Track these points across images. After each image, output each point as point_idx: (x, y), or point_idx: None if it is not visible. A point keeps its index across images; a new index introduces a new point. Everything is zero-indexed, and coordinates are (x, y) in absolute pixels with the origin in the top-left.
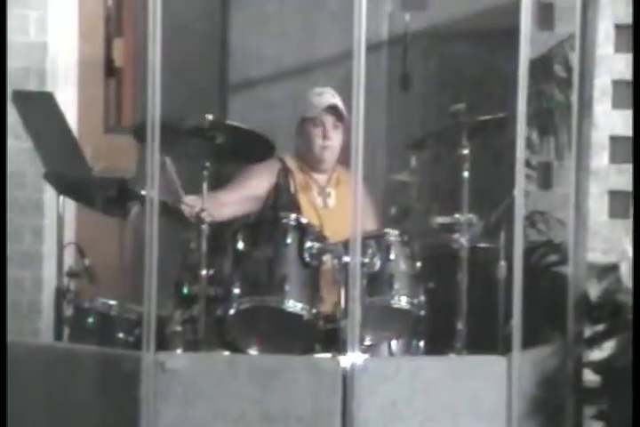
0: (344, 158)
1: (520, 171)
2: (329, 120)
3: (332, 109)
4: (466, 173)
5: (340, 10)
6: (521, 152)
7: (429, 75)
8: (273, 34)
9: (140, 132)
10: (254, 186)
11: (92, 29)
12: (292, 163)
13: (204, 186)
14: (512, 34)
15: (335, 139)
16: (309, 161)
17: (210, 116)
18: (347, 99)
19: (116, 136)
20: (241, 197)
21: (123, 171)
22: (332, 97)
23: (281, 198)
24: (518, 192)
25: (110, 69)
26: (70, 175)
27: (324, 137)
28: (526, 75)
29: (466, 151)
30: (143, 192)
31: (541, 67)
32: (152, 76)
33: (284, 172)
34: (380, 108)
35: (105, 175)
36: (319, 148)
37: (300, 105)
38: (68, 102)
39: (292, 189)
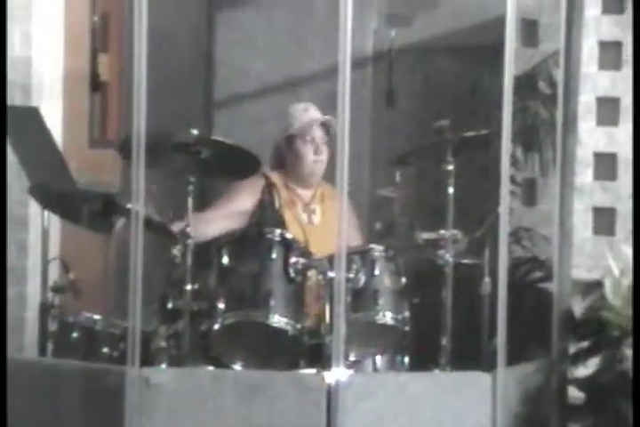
0: (328, 174)
1: (505, 187)
2: (319, 135)
3: (323, 125)
4: (451, 189)
5: (326, 26)
6: (506, 168)
7: (414, 91)
8: (259, 49)
9: (125, 147)
10: (239, 202)
11: (77, 44)
12: (276, 179)
13: (189, 201)
14: (497, 50)
15: (325, 153)
16: (299, 177)
17: (195, 131)
18: (332, 114)
19: (101, 150)
20: (226, 213)
21: (108, 185)
22: (316, 112)
23: (266, 214)
24: (503, 208)
25: (96, 84)
26: (55, 189)
27: (316, 152)
28: (511, 91)
29: (450, 167)
30: (128, 206)
31: (526, 83)
32: (137, 91)
33: (269, 188)
34: (364, 123)
35: (90, 189)
36: (311, 163)
37: (286, 121)
38: (53, 116)
39: (277, 204)
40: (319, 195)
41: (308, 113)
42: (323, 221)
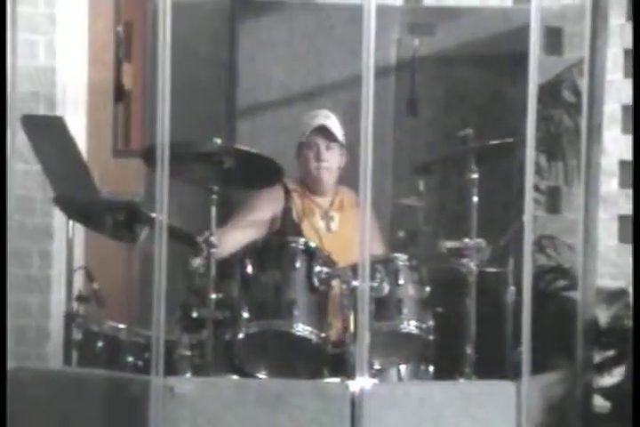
0: (350, 181)
1: (529, 195)
2: (320, 141)
3: (322, 130)
4: (474, 198)
5: (348, 35)
6: (530, 176)
7: (437, 99)
8: (281, 59)
9: (148, 156)
10: (259, 211)
11: (101, 54)
12: (294, 187)
13: (213, 210)
14: (520, 59)
15: (331, 160)
16: (309, 184)
17: (219, 141)
18: (354, 123)
19: (125, 160)
20: (246, 224)
21: (131, 194)
22: (324, 118)
23: (284, 223)
24: (527, 217)
25: (119, 93)
26: (79, 199)
27: (317, 159)
28: (535, 100)
29: (474, 176)
30: (152, 215)
31: (550, 92)
32: (161, 101)
33: (287, 196)
34: (387, 132)
35: (114, 199)
36: (314, 169)
37: (300, 129)
38: (78, 126)
39: (295, 213)
40: (338, 202)
41: (313, 120)
42: (341, 228)
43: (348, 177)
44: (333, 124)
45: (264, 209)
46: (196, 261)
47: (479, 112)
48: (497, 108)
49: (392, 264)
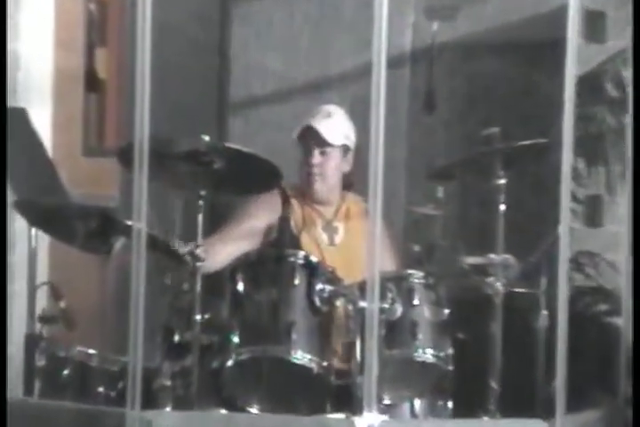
0: (357, 186)
1: (565, 205)
2: (310, 145)
3: (311, 133)
4: (501, 207)
5: (357, 19)
6: (566, 183)
7: (458, 93)
8: (279, 46)
9: (125, 155)
10: (253, 220)
11: (70, 37)
12: (293, 193)
13: (199, 218)
14: (556, 47)
15: (325, 166)
16: (305, 191)
17: (207, 138)
18: (363, 120)
19: (98, 159)
20: (238, 235)
21: (105, 199)
22: (321, 117)
23: (281, 233)
24: (563, 230)
25: (92, 83)
26: (44, 204)
27: (306, 163)
28: (573, 94)
29: (501, 182)
30: (129, 223)
31: (589, 85)
32: (141, 92)
33: (285, 203)
34: (401, 131)
35: (85, 204)
36: (304, 176)
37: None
38: (43, 120)
39: (293, 223)
40: (343, 211)
41: (310, 119)
42: (347, 240)
43: (356, 182)
44: (330, 125)
45: (258, 217)
46: (179, 277)
47: (507, 108)
48: (528, 104)
49: (405, 282)
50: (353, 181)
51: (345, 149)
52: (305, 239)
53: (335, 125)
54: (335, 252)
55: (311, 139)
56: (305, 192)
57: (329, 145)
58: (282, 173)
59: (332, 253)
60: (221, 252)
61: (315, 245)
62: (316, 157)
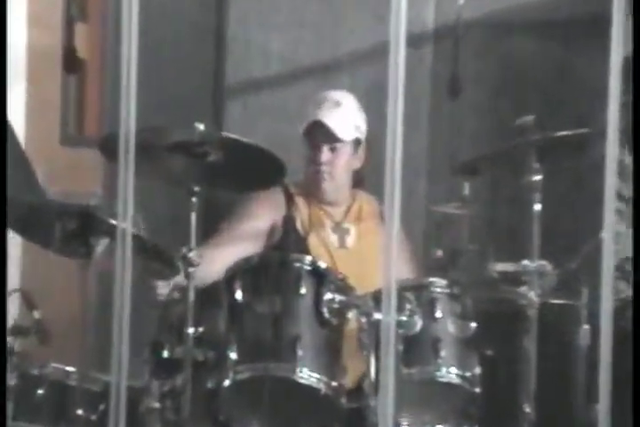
0: (371, 183)
1: (609, 205)
2: (317, 140)
3: (319, 127)
4: (536, 207)
5: None
6: (611, 180)
7: (487, 77)
8: (283, 24)
9: (108, 146)
10: (254, 220)
11: (46, 10)
12: (298, 190)
13: (193, 217)
14: (599, 24)
15: (335, 163)
16: (311, 191)
17: (201, 127)
18: (379, 107)
19: (78, 150)
20: (238, 236)
21: (85, 195)
22: (328, 108)
23: (286, 236)
24: (607, 233)
25: (70, 63)
26: (16, 201)
27: (313, 160)
28: (619, 78)
29: (536, 177)
30: (113, 222)
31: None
32: (126, 74)
33: (290, 201)
34: (421, 119)
35: (63, 201)
36: (311, 173)
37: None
38: (16, 104)
39: (300, 224)
40: (355, 211)
41: (314, 110)
42: (359, 244)
43: (369, 178)
44: (340, 116)
45: (260, 217)
46: (171, 285)
47: (543, 94)
48: (566, 89)
49: (426, 292)
50: (364, 178)
51: (356, 143)
52: (313, 242)
53: (345, 117)
54: (346, 256)
55: (319, 134)
56: (311, 191)
57: (339, 141)
58: (286, 166)
59: (343, 257)
60: (218, 256)
61: (324, 248)
62: (325, 154)
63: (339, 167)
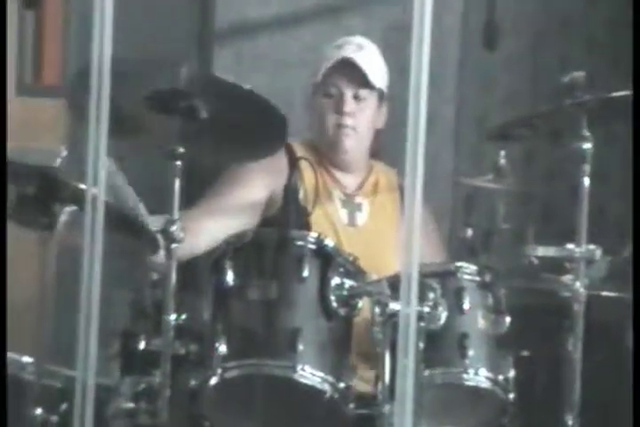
0: (389, 152)
1: None
2: (344, 85)
3: (348, 67)
4: (586, 180)
5: None
6: None
7: (527, 27)
8: None
9: (74, 96)
10: (249, 188)
11: None
12: (304, 153)
13: (176, 184)
14: None
15: (360, 116)
16: (325, 151)
17: (184, 70)
18: (398, 60)
19: (37, 100)
20: (229, 207)
21: (46, 154)
22: (353, 49)
23: (285, 209)
24: None
25: None
26: None
27: (338, 110)
28: None
29: (586, 146)
30: (80, 187)
31: None
32: (99, 10)
33: (292, 166)
34: (450, 75)
35: (19, 161)
36: (332, 128)
37: (314, 64)
38: None
39: (303, 194)
40: (371, 184)
41: (337, 51)
42: (373, 222)
43: (387, 146)
44: (368, 59)
45: (256, 184)
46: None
47: (593, 47)
48: (621, 42)
49: (453, 279)
50: (382, 147)
51: (380, 95)
52: (318, 216)
53: (374, 60)
54: (355, 235)
55: (345, 77)
56: (326, 152)
57: (369, 86)
58: (287, 122)
59: (352, 236)
60: (205, 230)
61: (329, 224)
62: (350, 103)
63: (364, 121)
